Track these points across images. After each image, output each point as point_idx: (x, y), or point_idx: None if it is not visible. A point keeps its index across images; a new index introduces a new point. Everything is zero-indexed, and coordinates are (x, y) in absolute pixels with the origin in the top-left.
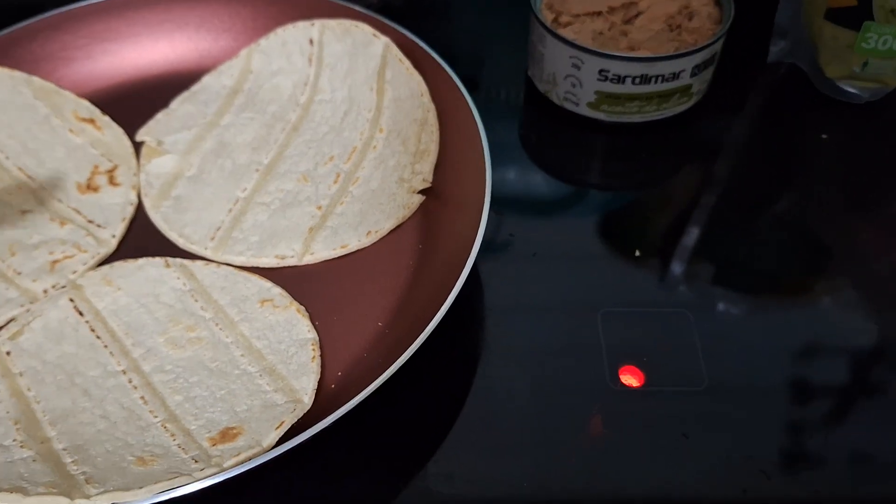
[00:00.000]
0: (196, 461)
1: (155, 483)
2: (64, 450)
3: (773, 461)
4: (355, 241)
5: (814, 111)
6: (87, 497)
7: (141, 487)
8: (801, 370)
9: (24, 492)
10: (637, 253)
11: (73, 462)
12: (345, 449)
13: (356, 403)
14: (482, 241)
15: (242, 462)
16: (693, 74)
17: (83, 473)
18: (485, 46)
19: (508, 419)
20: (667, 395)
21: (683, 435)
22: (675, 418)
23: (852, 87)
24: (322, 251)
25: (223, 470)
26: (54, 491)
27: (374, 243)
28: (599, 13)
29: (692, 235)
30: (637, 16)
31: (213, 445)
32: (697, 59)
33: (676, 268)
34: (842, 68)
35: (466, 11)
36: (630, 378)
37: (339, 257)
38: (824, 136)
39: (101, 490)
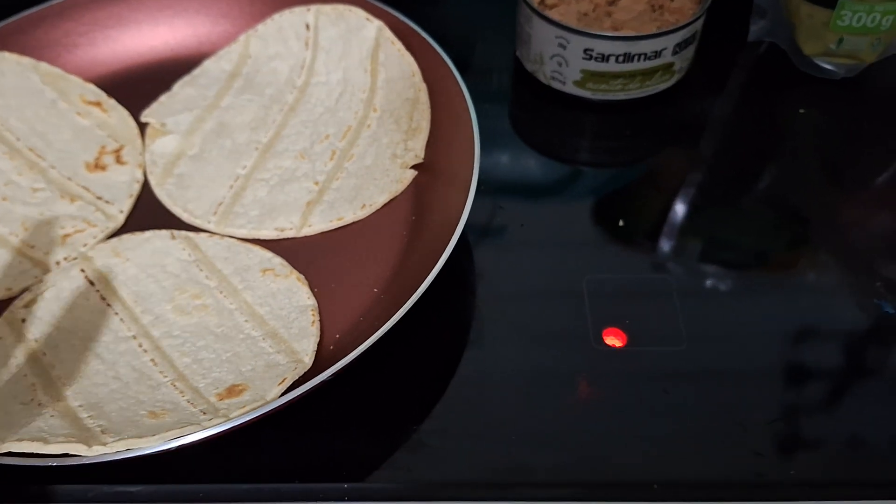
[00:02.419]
0: (205, 413)
1: (167, 431)
2: (80, 406)
3: (749, 413)
4: (351, 214)
5: (792, 87)
6: (104, 444)
7: (154, 435)
8: (776, 328)
9: (45, 440)
10: (621, 223)
11: (89, 417)
12: (343, 406)
13: (355, 357)
14: (472, 214)
15: (248, 412)
16: (674, 53)
17: (99, 426)
18: (474, 28)
19: (498, 378)
20: (648, 354)
21: (664, 391)
22: (656, 375)
23: (829, 64)
24: (319, 224)
25: (230, 419)
26: (73, 439)
27: (369, 216)
28: None
29: (674, 208)
30: None
31: (221, 400)
32: (678, 37)
33: (658, 236)
34: (818, 45)
35: None
36: (613, 339)
37: (335, 229)
38: (802, 111)
39: (117, 438)
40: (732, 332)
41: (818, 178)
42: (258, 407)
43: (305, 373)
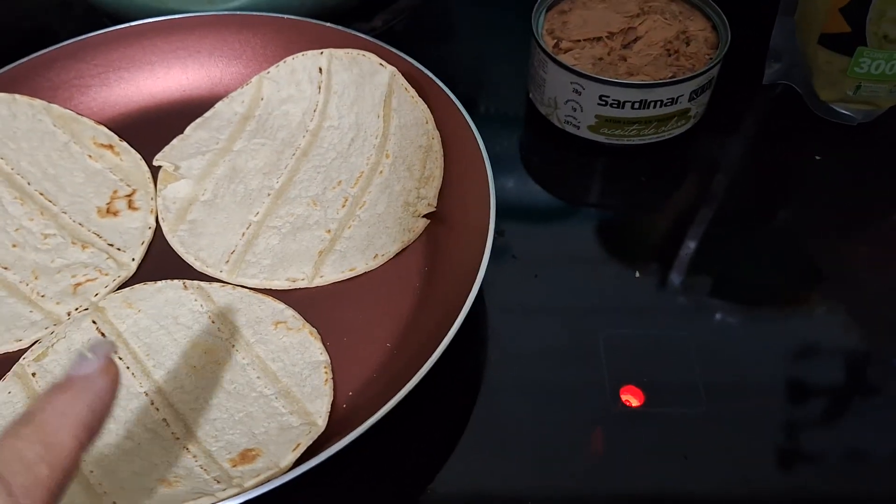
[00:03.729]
0: (218, 482)
1: (181, 503)
2: (91, 472)
3: (769, 480)
4: (363, 265)
5: (808, 132)
6: None
7: None
8: (801, 392)
9: None
10: (637, 274)
11: (100, 484)
12: (354, 467)
13: (365, 430)
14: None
15: (262, 483)
16: (691, 99)
17: (112, 498)
18: (487, 69)
19: (511, 438)
20: (666, 415)
21: (682, 455)
22: (674, 438)
23: (845, 109)
24: (331, 274)
25: (245, 490)
26: None
27: (381, 266)
28: (599, 38)
29: (691, 256)
30: (635, 41)
31: (234, 467)
32: (695, 84)
33: (676, 290)
34: (835, 91)
35: (470, 34)
36: (630, 398)
37: (347, 279)
38: (818, 158)
39: None
40: (752, 391)
41: (834, 225)
42: (272, 477)
43: (320, 435)
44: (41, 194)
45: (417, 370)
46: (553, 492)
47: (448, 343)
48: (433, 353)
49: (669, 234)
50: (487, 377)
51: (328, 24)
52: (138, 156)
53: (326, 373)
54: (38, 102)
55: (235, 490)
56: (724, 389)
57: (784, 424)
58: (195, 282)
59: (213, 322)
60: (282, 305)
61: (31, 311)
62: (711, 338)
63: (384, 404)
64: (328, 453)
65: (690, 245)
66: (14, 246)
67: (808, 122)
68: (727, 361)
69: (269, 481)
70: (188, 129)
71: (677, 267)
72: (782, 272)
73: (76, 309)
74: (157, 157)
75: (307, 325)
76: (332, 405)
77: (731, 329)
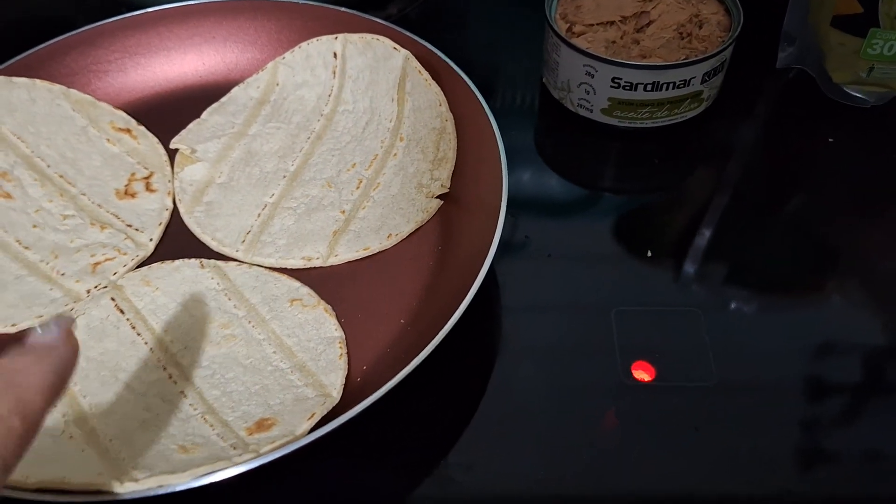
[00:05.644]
0: (234, 448)
1: (198, 467)
2: (110, 440)
3: (780, 453)
4: (377, 244)
5: (821, 115)
6: (135, 481)
7: (185, 471)
8: (809, 367)
9: (76, 476)
10: (649, 253)
11: (119, 451)
12: (370, 440)
13: (382, 394)
14: (499, 243)
15: (278, 448)
16: (703, 81)
17: (130, 461)
18: (501, 55)
19: (525, 412)
20: (678, 389)
21: (694, 428)
22: (685, 412)
23: (859, 92)
24: (346, 253)
25: (260, 455)
26: (104, 476)
27: (395, 245)
28: (612, 22)
29: (702, 236)
30: (648, 24)
31: (250, 434)
32: (707, 66)
33: (687, 268)
34: (848, 73)
35: (483, 21)
36: (642, 373)
37: (362, 259)
38: (831, 140)
39: (148, 474)
40: (762, 367)
41: (846, 207)
42: (288, 443)
43: (334, 407)
44: (60, 176)
45: (430, 342)
46: (564, 462)
47: (460, 316)
48: (445, 325)
49: (681, 214)
50: (501, 352)
51: (342, 9)
52: (155, 139)
53: (341, 348)
54: (56, 87)
55: (251, 455)
56: (735, 362)
57: (795, 396)
58: (212, 261)
59: (229, 299)
60: (297, 283)
61: (51, 289)
62: (721, 312)
63: (399, 374)
64: (344, 418)
65: (702, 226)
66: (34, 226)
67: (821, 106)
68: (737, 335)
69: (284, 447)
70: (204, 114)
71: (688, 246)
72: (794, 252)
73: (95, 287)
74: (173, 140)
75: (322, 302)
76: (346, 379)
77: (742, 303)
